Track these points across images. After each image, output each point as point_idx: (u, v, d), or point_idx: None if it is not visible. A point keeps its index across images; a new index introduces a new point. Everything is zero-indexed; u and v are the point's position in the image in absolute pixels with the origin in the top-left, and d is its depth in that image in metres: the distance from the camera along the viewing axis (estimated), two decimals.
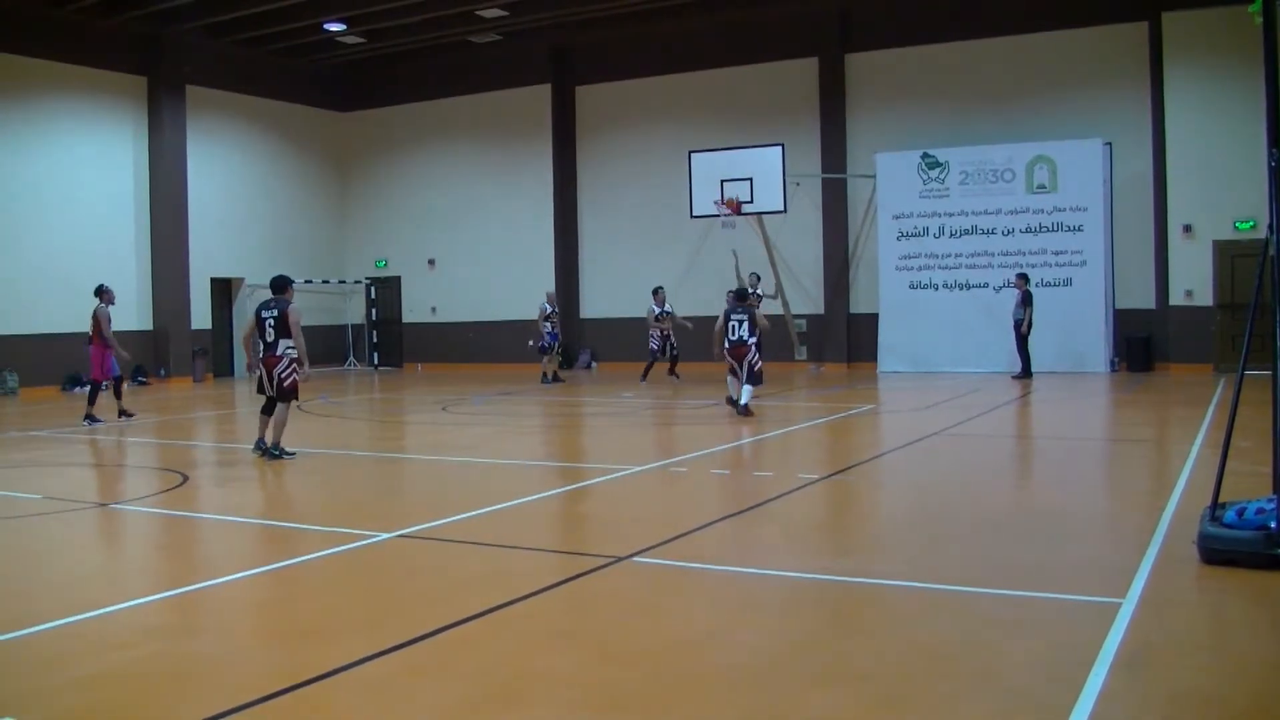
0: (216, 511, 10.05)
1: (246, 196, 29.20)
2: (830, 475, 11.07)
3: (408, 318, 31.52)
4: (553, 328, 23.71)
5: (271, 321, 12.71)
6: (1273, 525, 6.58)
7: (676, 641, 5.70)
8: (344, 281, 31.66)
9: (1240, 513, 6.84)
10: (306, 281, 30.34)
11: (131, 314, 26.09)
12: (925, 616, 6.06)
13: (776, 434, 14.95)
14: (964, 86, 25.03)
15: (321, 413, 18.74)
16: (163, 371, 26.34)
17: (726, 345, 16.20)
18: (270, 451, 12.53)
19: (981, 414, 16.40)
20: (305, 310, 29.48)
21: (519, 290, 28.92)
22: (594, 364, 27.39)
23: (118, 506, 10.09)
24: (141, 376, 25.95)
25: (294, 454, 12.72)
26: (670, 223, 27.29)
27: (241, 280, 29.09)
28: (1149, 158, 23.49)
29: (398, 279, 31.65)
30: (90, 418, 17.25)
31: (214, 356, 28.17)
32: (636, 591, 6.75)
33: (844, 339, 26.25)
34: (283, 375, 12.60)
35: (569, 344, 28.48)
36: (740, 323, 16.16)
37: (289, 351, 12.68)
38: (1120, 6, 23.58)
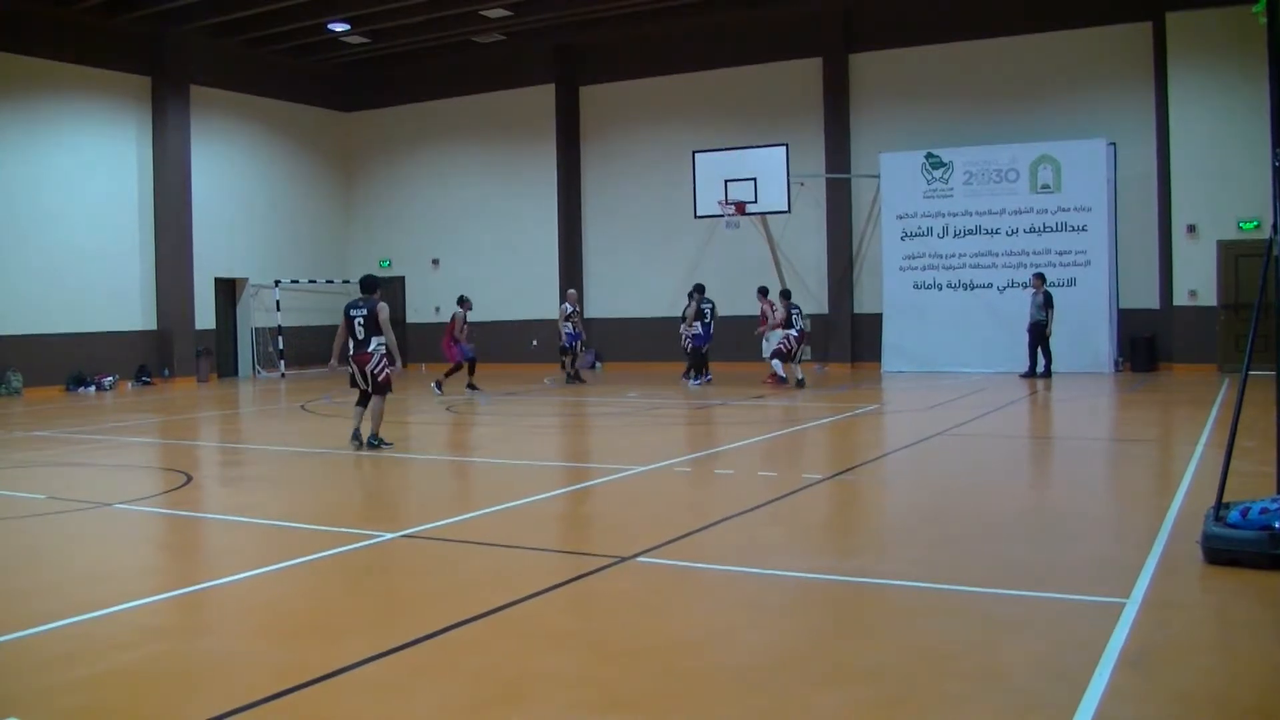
0: (220, 511, 10.06)
1: (250, 196, 29.24)
2: (835, 475, 11.07)
3: (412, 318, 31.52)
4: (574, 328, 23.48)
5: (361, 320, 13.21)
6: (1276, 525, 6.58)
7: (680, 642, 5.70)
8: (348, 281, 31.61)
9: (1244, 513, 6.83)
10: (311, 281, 30.40)
11: (135, 314, 26.17)
12: (930, 616, 6.06)
13: (781, 434, 14.95)
14: (968, 86, 25.02)
15: (326, 413, 18.75)
16: (166, 372, 26.36)
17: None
18: (370, 442, 13.14)
19: (985, 414, 16.39)
20: (308, 311, 29.84)
21: (523, 290, 28.98)
22: (599, 364, 27.39)
23: (122, 506, 10.10)
24: (145, 377, 25.97)
25: (391, 444, 13.33)
26: (674, 223, 27.30)
27: (245, 280, 29.13)
28: (1153, 158, 23.48)
29: (401, 279, 31.65)
30: (438, 384, 21.62)
31: (218, 356, 28.20)
32: (640, 592, 6.74)
33: (848, 339, 26.25)
34: (375, 371, 13.12)
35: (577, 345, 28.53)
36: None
37: (379, 347, 13.13)
38: (1124, 6, 23.57)
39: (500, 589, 6.63)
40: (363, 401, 13.35)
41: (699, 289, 22.39)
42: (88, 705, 4.92)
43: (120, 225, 26.08)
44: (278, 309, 29.08)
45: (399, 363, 13.60)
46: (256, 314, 29.28)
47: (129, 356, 26.00)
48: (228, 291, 28.93)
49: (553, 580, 6.88)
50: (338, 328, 13.33)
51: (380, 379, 13.06)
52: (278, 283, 29.38)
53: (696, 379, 22.00)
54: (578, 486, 10.90)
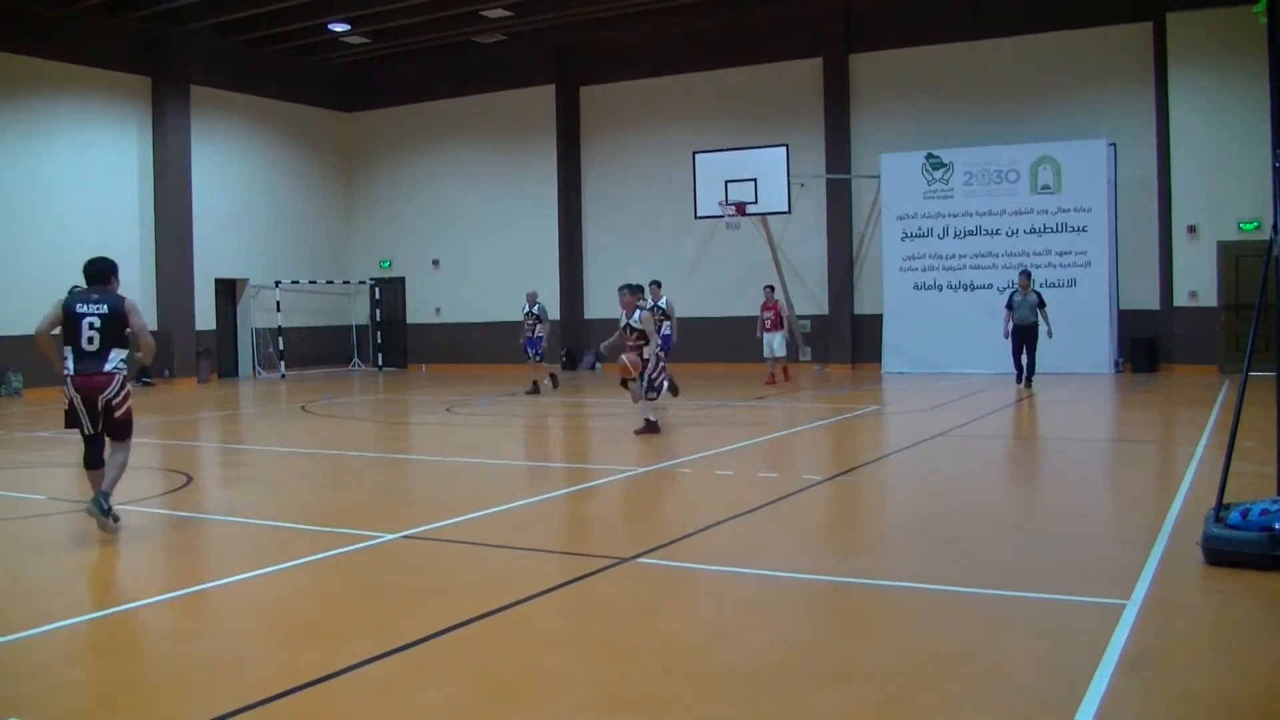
0: (221, 512, 10.06)
1: (250, 197, 29.25)
2: (835, 476, 11.07)
3: (412, 318, 31.53)
4: (532, 332, 21.77)
5: (96, 321, 9.20)
6: (1276, 526, 6.58)
7: (681, 642, 5.70)
8: (348, 282, 31.68)
9: (1244, 514, 6.83)
10: (311, 282, 30.40)
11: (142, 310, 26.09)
12: (930, 617, 6.06)
13: (781, 435, 14.96)
14: (968, 87, 25.03)
15: (326, 414, 18.76)
16: (167, 372, 26.34)
17: None
18: (99, 503, 8.56)
19: (986, 415, 16.40)
20: (308, 311, 29.84)
21: (523, 291, 28.93)
22: (598, 365, 27.39)
23: (123, 507, 10.08)
24: (146, 377, 25.96)
25: (118, 520, 8.80)
26: (675, 223, 27.28)
27: (245, 281, 29.13)
28: (1153, 158, 23.49)
29: (402, 279, 31.66)
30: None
31: (218, 357, 28.21)
32: (641, 593, 6.75)
33: (848, 340, 26.25)
34: (115, 401, 8.75)
35: (573, 346, 28.50)
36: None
37: (120, 366, 10.40)
38: (1125, 7, 23.58)
39: (500, 590, 6.64)
40: (93, 457, 8.86)
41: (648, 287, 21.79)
42: (90, 706, 4.92)
43: (121, 225, 26.06)
44: (278, 310, 29.07)
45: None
46: (257, 314, 29.28)
47: (130, 357, 25.90)
48: (228, 292, 28.93)
49: (553, 581, 6.89)
50: (46, 319, 8.91)
51: (120, 414, 8.76)
52: (278, 283, 29.38)
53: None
54: (578, 488, 10.90)
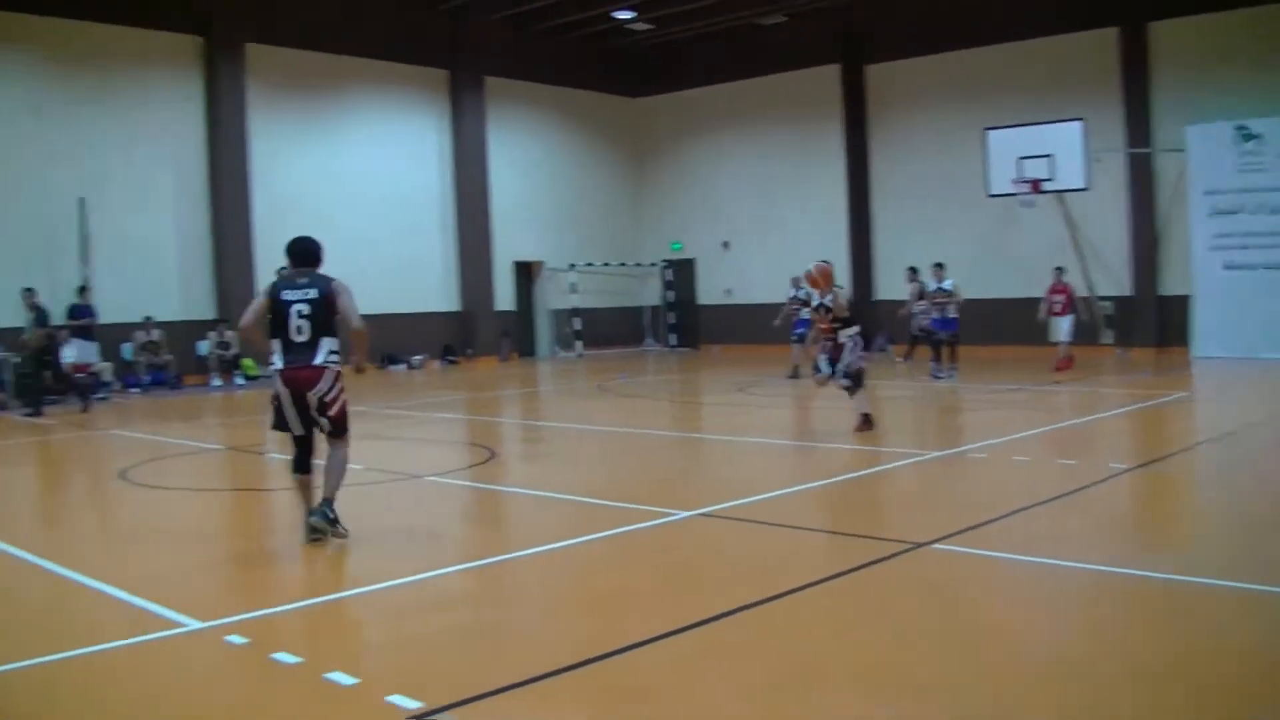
0: (522, 485, 10.46)
1: (545, 182, 30.24)
2: (1143, 465, 10.61)
3: (703, 299, 31.87)
4: (796, 316, 20.99)
5: (305, 308, 8.21)
6: None
7: (979, 630, 5.59)
8: (640, 264, 32.28)
9: None
10: (604, 264, 31.15)
11: (441, 296, 27.47)
12: (1244, 618, 5.74)
13: (1082, 421, 14.42)
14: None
15: (622, 392, 19.20)
16: (470, 351, 27.57)
17: None
18: (322, 513, 7.85)
19: None
20: (601, 293, 30.57)
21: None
22: (889, 346, 26.98)
23: (432, 479, 10.64)
24: (451, 356, 27.25)
25: (345, 533, 8.06)
26: (966, 202, 26.55)
27: (542, 264, 30.12)
28: None
29: (692, 261, 32.03)
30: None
31: (517, 337, 29.27)
32: (936, 579, 6.65)
33: (1153, 322, 24.98)
34: (329, 399, 7.85)
35: (865, 328, 28.16)
36: None
37: (333, 359, 9.91)
38: None
39: (793, 571, 6.67)
40: (302, 462, 7.99)
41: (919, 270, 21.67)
42: (395, 665, 5.24)
43: (425, 212, 27.50)
44: (573, 291, 29.93)
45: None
46: (553, 296, 30.24)
47: (435, 337, 27.34)
48: (526, 274, 29.98)
49: (846, 564, 6.87)
50: (252, 310, 7.98)
51: (334, 412, 7.88)
52: (573, 266, 30.25)
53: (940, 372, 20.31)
54: (871, 471, 10.81)
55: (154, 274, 23.20)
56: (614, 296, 31.48)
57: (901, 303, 22.68)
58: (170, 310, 23.19)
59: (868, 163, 29.01)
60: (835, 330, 12.78)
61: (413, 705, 4.58)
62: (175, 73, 23.69)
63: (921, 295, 20.96)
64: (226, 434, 15.74)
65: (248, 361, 23.27)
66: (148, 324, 22.33)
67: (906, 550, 7.13)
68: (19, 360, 18.99)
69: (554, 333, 30.27)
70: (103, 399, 19.74)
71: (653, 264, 32.39)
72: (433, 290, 27.54)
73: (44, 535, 8.90)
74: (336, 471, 7.89)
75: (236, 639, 5.57)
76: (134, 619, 6.02)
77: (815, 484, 9.88)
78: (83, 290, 21.18)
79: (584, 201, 31.26)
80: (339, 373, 7.85)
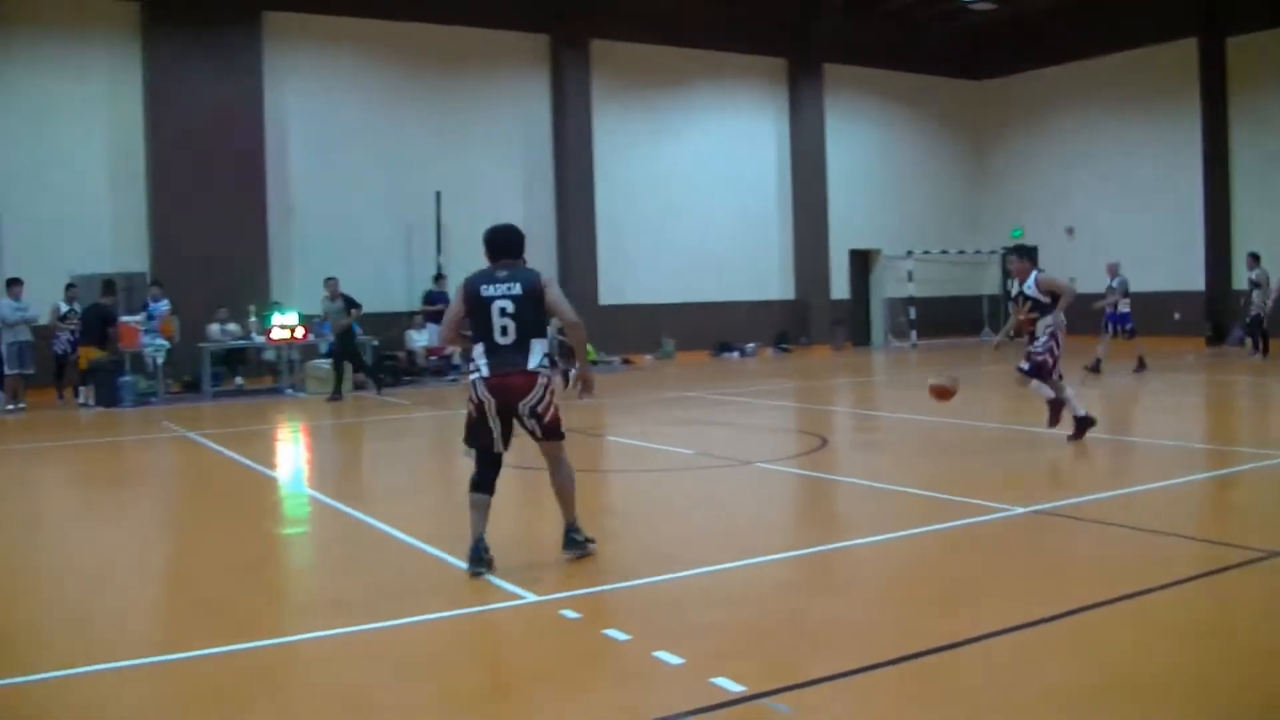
0: (852, 475, 10.39)
1: (881, 169, 29.89)
2: None
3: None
4: (1114, 308, 19.91)
5: (510, 304, 8.24)
6: None
7: None
8: (979, 252, 31.42)
9: None
10: (942, 252, 30.50)
11: (775, 284, 27.66)
12: None
13: None
14: None
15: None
16: (803, 340, 27.60)
17: None
18: (570, 537, 7.19)
19: None
20: (938, 281, 29.94)
21: (1166, 261, 27.17)
22: (1247, 339, 25.21)
23: (762, 465, 10.71)
24: (784, 344, 27.36)
25: (593, 542, 7.32)
26: None
27: (878, 252, 29.80)
28: None
29: (1034, 248, 30.74)
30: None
31: (851, 325, 29.07)
32: None
33: None
34: (541, 408, 6.95)
35: (1219, 319, 26.42)
36: None
37: (544, 364, 9.49)
38: None
39: (1132, 574, 6.33)
40: (487, 480, 6.97)
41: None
42: (719, 648, 5.29)
43: (761, 200, 27.74)
44: (909, 280, 29.45)
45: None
46: (889, 284, 29.86)
47: (770, 325, 27.53)
48: (861, 263, 29.72)
49: (1188, 571, 6.45)
50: (449, 318, 7.18)
51: (550, 418, 6.94)
52: (909, 253, 29.75)
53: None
54: (1224, 471, 10.12)
55: None
56: (951, 285, 30.76)
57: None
58: None
59: (1228, 146, 27.00)
60: (1034, 321, 11.70)
61: (736, 689, 4.63)
62: (523, 71, 24.83)
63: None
64: (566, 417, 16.30)
65: (588, 347, 24.15)
66: None
67: (1260, 559, 6.61)
68: (376, 344, 20.42)
69: (888, 322, 29.90)
70: (452, 380, 20.90)
71: (992, 251, 31.42)
72: (768, 278, 27.75)
73: (398, 508, 9.43)
74: (567, 485, 7.03)
75: (570, 613, 5.81)
76: (478, 588, 6.39)
77: (1161, 484, 9.29)
78: (438, 278, 22.49)
79: (921, 188, 30.67)
80: (550, 380, 6.88)
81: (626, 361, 25.05)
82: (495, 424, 6.77)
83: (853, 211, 28.89)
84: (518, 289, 6.71)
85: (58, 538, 8.87)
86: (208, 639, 5.59)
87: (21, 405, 18.12)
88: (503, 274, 6.78)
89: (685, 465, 10.96)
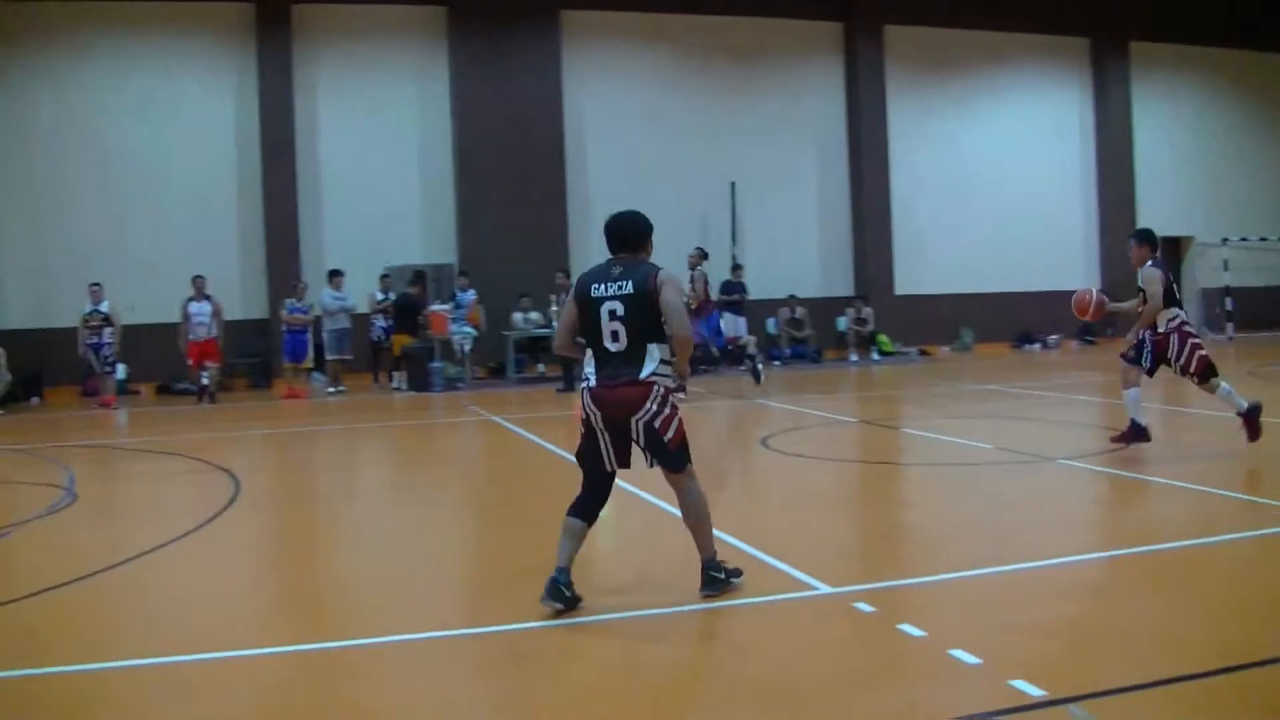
0: (1162, 475, 9.91)
1: (1193, 151, 28.47)
2: None
3: None
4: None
5: (620, 307, 8.67)
6: None
7: None
8: None
9: None
10: (1261, 239, 28.69)
11: (1079, 272, 26.60)
12: None
13: None
14: None
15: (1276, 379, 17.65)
16: (1110, 330, 26.42)
17: None
18: (710, 573, 6.37)
19: None
20: (1259, 270, 28.21)
21: None
22: None
23: (1063, 462, 10.36)
24: (1089, 335, 26.34)
25: (739, 574, 7.18)
26: None
27: (1190, 239, 28.28)
28: None
29: None
30: None
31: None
32: None
33: None
34: (657, 423, 7.86)
35: None
36: None
37: (662, 371, 9.46)
38: None
39: None
40: (587, 506, 6.14)
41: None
42: (1018, 649, 5.15)
43: (1063, 186, 26.81)
44: (1225, 268, 27.79)
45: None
46: (1203, 273, 28.27)
47: (1072, 315, 26.43)
48: (1172, 250, 28.23)
49: None
50: (562, 338, 6.27)
51: (673, 438, 6.03)
52: (1225, 241, 28.07)
53: None
54: None
55: (797, 252, 24.52)
56: (1263, 274, 28.85)
57: None
58: (811, 287, 24.33)
59: None
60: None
61: (1036, 693, 4.50)
62: (816, 59, 24.79)
63: None
64: (862, 407, 16.26)
65: (882, 338, 23.87)
66: (791, 301, 23.47)
67: None
68: None
69: (1203, 313, 28.27)
70: (747, 371, 21.05)
71: None
72: (1071, 266, 26.73)
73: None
74: (701, 519, 6.05)
75: (864, 606, 5.76)
76: (771, 577, 6.42)
77: None
78: (735, 268, 22.69)
79: (1239, 171, 28.88)
80: (669, 391, 5.96)
81: (923, 353, 24.66)
82: (604, 440, 5.95)
83: (1163, 196, 27.48)
84: (629, 288, 5.83)
85: (371, 510, 9.47)
86: (510, 614, 5.85)
87: (341, 388, 19.38)
88: (617, 271, 5.91)
89: (984, 460, 10.72)
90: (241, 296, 21.51)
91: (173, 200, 21.56)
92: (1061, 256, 26.66)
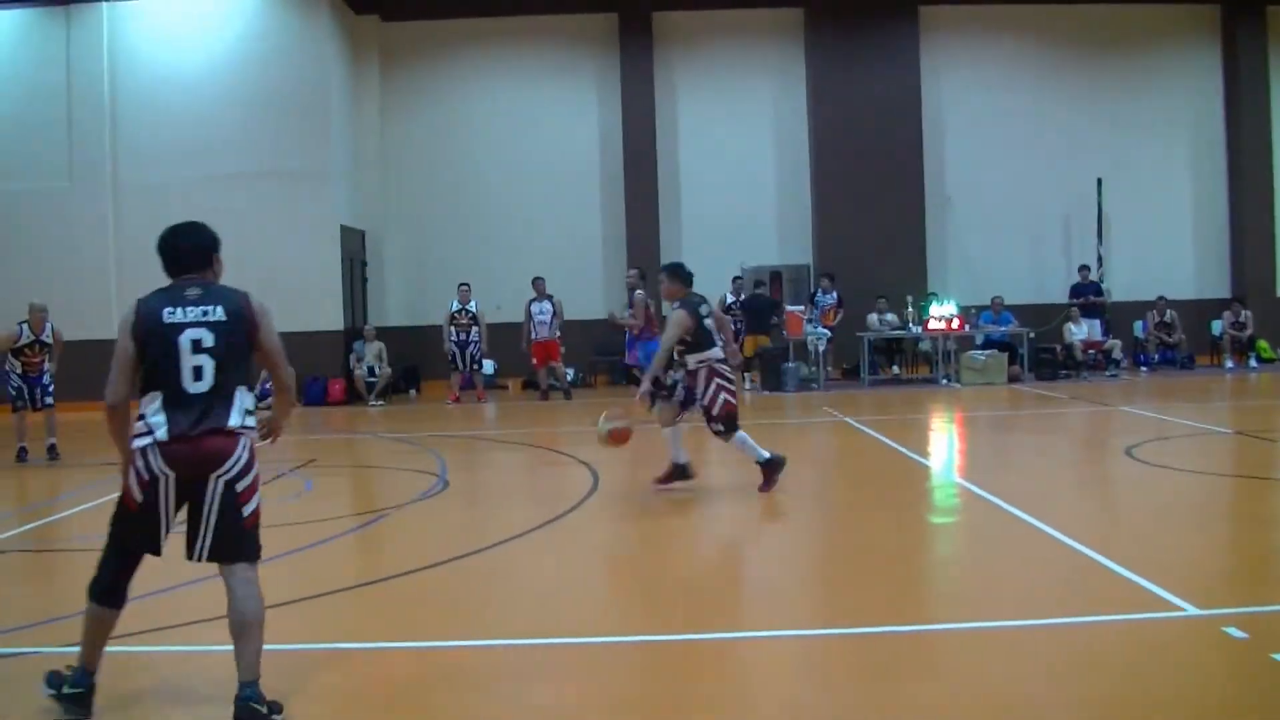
0: None
1: None
2: None
3: None
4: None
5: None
6: None
7: None
8: None
9: None
10: None
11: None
12: None
13: None
14: None
15: None
16: None
17: None
18: None
19: None
20: None
21: None
22: None
23: None
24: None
25: None
26: None
27: None
28: None
29: None
30: None
31: None
32: None
33: None
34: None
35: None
36: None
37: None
38: None
39: None
40: (121, 585, 4.79)
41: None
42: None
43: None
44: None
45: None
46: None
47: None
48: None
49: None
50: (117, 390, 4.74)
51: (251, 512, 4.75)
52: None
53: None
54: None
55: (1168, 252, 23.30)
56: None
57: None
58: (1183, 288, 23.03)
59: None
60: None
61: None
62: (1190, 46, 23.42)
63: None
64: (1237, 418, 15.27)
65: (1262, 343, 22.29)
66: (1160, 303, 22.26)
67: None
68: (1033, 336, 20.15)
69: None
70: (1112, 376, 20.23)
71: None
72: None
73: (1054, 505, 9.31)
74: (258, 626, 4.70)
75: (1234, 631, 5.43)
76: (1134, 595, 6.15)
77: None
78: (1081, 269, 21.87)
79: None
80: (254, 449, 4.86)
81: None
82: (169, 507, 4.70)
83: None
84: (219, 314, 4.73)
85: (720, 506, 9.69)
86: (857, 617, 5.92)
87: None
88: (194, 293, 4.80)
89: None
90: (604, 299, 22.34)
91: (536, 206, 22.76)
92: None
